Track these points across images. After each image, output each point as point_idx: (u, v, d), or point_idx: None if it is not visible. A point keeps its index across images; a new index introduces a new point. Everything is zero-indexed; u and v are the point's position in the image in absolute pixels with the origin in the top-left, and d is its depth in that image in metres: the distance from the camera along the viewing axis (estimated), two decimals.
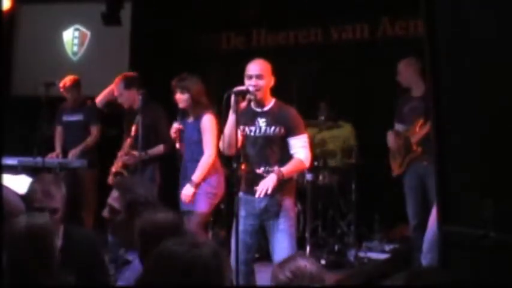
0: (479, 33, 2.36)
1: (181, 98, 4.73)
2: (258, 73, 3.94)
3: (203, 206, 4.62)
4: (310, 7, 6.81)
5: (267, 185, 3.79)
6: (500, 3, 2.31)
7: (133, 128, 5.07)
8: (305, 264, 2.31)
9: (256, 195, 3.80)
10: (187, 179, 4.67)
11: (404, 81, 5.21)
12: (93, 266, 2.90)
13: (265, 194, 3.78)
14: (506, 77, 2.28)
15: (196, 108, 4.73)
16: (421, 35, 2.55)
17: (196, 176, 4.59)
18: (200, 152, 4.69)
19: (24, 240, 2.29)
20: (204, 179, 4.64)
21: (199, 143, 4.69)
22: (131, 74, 5.50)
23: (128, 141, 5.17)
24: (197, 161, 4.68)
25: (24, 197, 2.87)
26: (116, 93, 5.30)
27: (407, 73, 5.18)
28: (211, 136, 4.62)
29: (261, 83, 3.93)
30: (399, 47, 6.35)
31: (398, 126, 5.25)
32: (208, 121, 4.68)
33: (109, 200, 2.94)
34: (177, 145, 4.78)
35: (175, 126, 4.73)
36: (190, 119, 4.78)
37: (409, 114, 5.16)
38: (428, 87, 2.53)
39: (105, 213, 2.95)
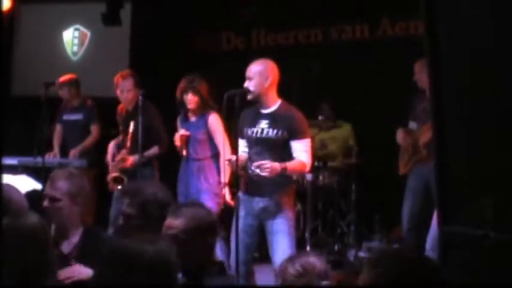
0: (480, 33, 2.36)
1: (193, 100, 4.74)
2: (247, 74, 3.93)
3: (211, 207, 4.59)
4: (310, 7, 6.81)
5: (269, 165, 3.74)
6: (501, 3, 2.31)
7: (130, 131, 5.04)
8: (315, 261, 2.44)
9: (253, 165, 3.79)
10: (187, 177, 4.73)
11: (420, 81, 5.14)
12: None
13: (259, 176, 3.76)
14: (507, 77, 2.28)
15: (203, 108, 4.77)
16: (421, 35, 2.55)
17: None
18: (202, 150, 4.72)
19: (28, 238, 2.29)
20: (208, 179, 4.67)
21: (202, 142, 4.73)
22: (135, 73, 5.45)
23: (128, 145, 5.11)
24: (199, 159, 4.71)
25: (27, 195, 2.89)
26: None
27: (423, 73, 5.08)
28: (222, 135, 4.64)
29: (250, 84, 3.90)
30: (399, 47, 6.35)
31: (412, 124, 5.12)
32: (215, 120, 4.73)
33: (123, 208, 2.93)
34: (184, 152, 4.76)
35: (182, 133, 4.73)
36: (193, 118, 4.82)
37: (422, 114, 5.09)
38: (429, 87, 2.53)
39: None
